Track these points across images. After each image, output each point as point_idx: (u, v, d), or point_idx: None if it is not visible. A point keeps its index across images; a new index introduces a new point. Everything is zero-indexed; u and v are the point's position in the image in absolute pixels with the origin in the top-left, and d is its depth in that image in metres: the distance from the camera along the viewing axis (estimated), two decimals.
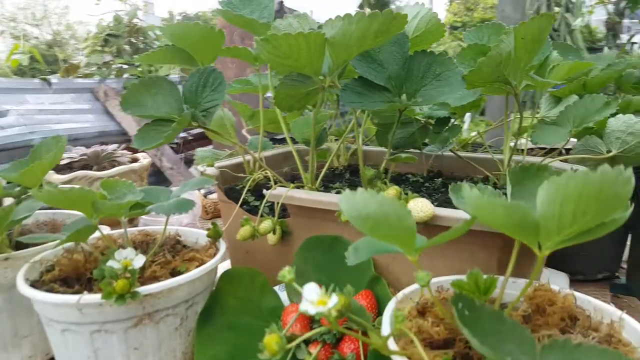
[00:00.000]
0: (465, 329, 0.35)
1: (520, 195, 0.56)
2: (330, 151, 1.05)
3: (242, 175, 0.92)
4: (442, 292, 0.58)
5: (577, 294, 0.55)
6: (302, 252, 0.76)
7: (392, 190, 0.65)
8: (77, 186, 0.57)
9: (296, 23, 0.75)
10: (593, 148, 0.87)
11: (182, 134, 3.87)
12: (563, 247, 0.40)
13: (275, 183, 0.80)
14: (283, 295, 0.75)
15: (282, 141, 1.07)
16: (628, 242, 1.05)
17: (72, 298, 0.55)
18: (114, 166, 1.48)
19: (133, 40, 4.51)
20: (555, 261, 1.07)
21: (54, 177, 1.32)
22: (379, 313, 0.66)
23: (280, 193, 0.73)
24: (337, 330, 0.42)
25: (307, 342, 0.68)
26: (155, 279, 0.62)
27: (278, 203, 0.73)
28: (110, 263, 0.57)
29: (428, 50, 0.74)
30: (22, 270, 0.63)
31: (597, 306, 0.53)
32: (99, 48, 4.43)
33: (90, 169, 1.41)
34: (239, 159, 0.96)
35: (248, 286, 0.73)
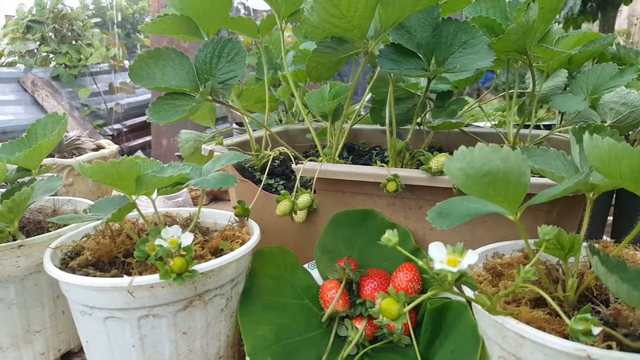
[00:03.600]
0: (611, 275, 0.35)
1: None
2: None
3: (250, 153, 0.88)
4: (501, 257, 0.58)
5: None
6: (331, 228, 0.73)
7: (442, 157, 0.64)
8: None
9: None
10: (587, 119, 0.89)
11: (117, 126, 3.74)
12: None
13: (296, 159, 0.76)
14: (314, 273, 0.72)
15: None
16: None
17: (122, 281, 0.50)
18: (74, 154, 1.38)
19: (58, 27, 4.22)
20: None
21: None
22: (424, 284, 0.65)
23: (313, 167, 0.70)
24: (455, 294, 0.40)
25: (349, 317, 0.66)
26: (200, 257, 0.57)
27: (313, 177, 0.70)
28: (158, 242, 0.52)
29: (453, 19, 0.73)
30: (47, 257, 0.56)
31: None
32: (20, 35, 4.10)
33: (52, 157, 1.30)
34: (244, 137, 0.91)
35: (280, 264, 0.70)
